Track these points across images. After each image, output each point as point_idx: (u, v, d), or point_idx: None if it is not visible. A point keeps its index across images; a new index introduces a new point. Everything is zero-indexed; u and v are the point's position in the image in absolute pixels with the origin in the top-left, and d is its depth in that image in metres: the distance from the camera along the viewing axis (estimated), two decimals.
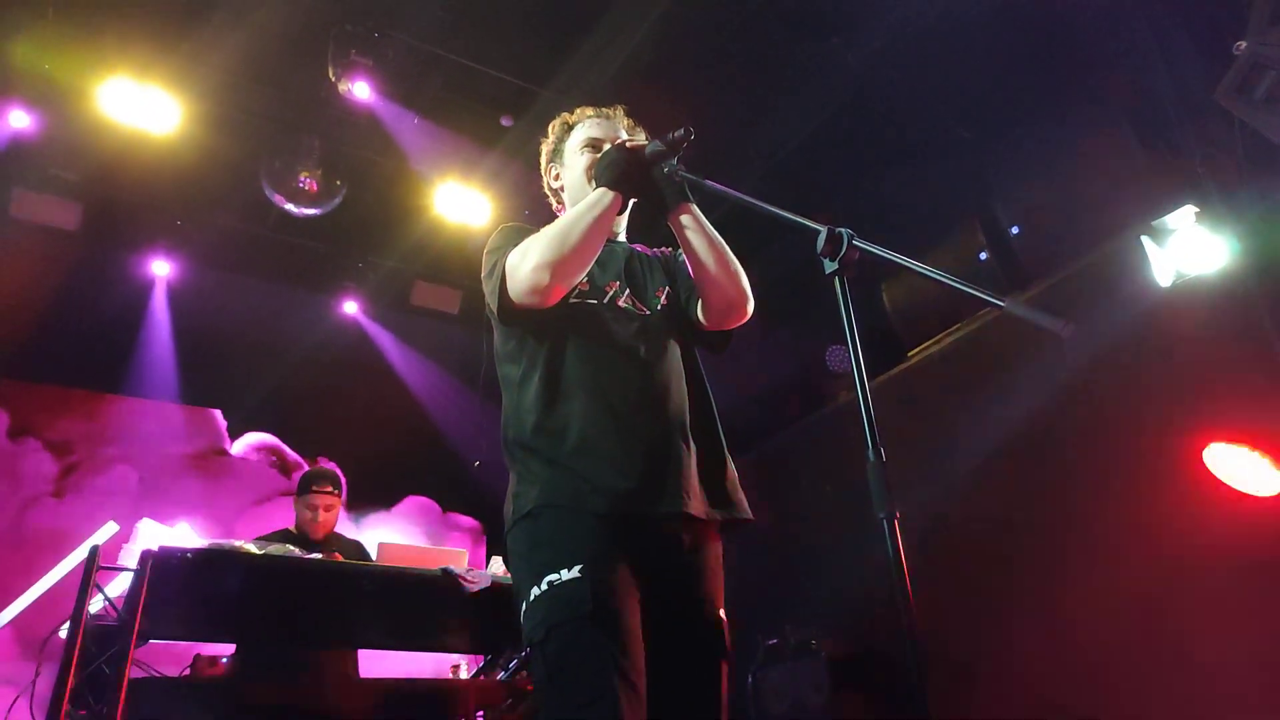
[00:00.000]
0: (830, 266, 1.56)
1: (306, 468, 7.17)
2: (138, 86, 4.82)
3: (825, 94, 5.07)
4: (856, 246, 1.56)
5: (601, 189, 1.92)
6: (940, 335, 5.03)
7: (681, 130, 1.88)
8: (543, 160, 2.31)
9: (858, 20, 4.67)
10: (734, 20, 4.78)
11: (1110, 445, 4.02)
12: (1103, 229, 4.23)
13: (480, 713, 3.47)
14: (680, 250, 2.17)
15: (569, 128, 2.24)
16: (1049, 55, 4.55)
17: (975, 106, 4.91)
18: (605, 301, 2.00)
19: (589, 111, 2.24)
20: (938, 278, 1.57)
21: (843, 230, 1.56)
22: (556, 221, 1.92)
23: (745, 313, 2.04)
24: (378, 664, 5.93)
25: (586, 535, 1.72)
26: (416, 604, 3.25)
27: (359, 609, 3.17)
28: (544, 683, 1.65)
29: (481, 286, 2.02)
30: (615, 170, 1.94)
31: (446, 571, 3.14)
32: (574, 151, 2.19)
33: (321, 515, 4.00)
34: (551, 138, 2.27)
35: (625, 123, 2.23)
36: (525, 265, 1.85)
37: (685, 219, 1.99)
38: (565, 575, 1.67)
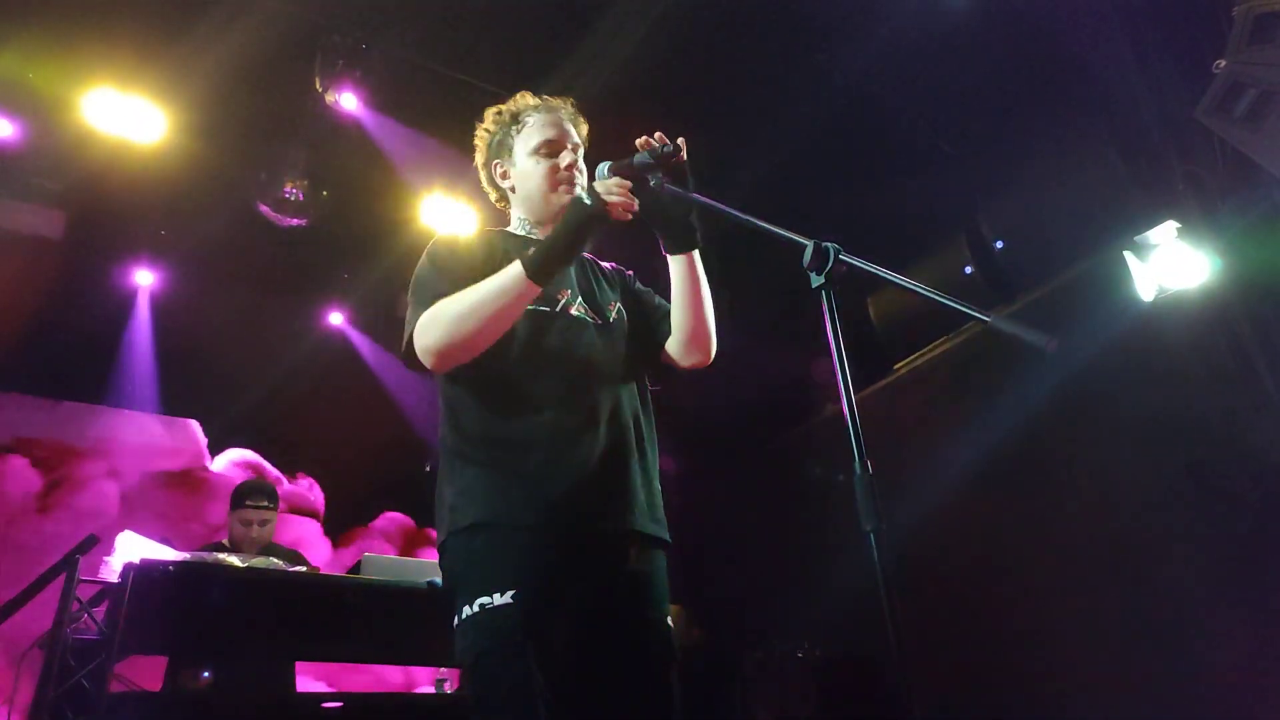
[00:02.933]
0: (817, 280, 1.55)
1: (285, 483, 7.12)
2: (122, 96, 4.80)
3: (811, 109, 5.10)
4: (844, 261, 1.55)
5: (520, 274, 1.73)
6: (926, 349, 5.05)
7: (671, 145, 1.84)
8: (482, 151, 2.16)
9: (844, 36, 4.71)
10: (722, 34, 4.81)
11: (1094, 457, 4.04)
12: (1086, 244, 4.27)
13: None
14: (634, 276, 2.21)
15: (515, 119, 2.11)
16: (1032, 72, 4.60)
17: (960, 122, 4.95)
18: (557, 310, 1.93)
19: (531, 101, 2.12)
20: (923, 292, 1.57)
21: (829, 245, 1.56)
22: (463, 297, 1.79)
23: (709, 358, 2.08)
24: (359, 677, 5.90)
25: (524, 556, 1.68)
26: (402, 617, 3.23)
27: (343, 622, 3.14)
28: (473, 706, 1.64)
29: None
30: (554, 259, 1.75)
31: (432, 584, 3.12)
32: (526, 154, 2.07)
33: (256, 530, 3.84)
34: (494, 128, 2.13)
35: (572, 115, 2.14)
36: (424, 341, 1.79)
37: (687, 263, 1.99)
38: (498, 600, 1.63)
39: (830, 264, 1.53)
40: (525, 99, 2.13)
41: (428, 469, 7.33)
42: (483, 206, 5.85)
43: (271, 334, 6.93)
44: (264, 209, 5.53)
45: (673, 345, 2.05)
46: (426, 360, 1.80)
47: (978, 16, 4.36)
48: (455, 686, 3.87)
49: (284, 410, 6.98)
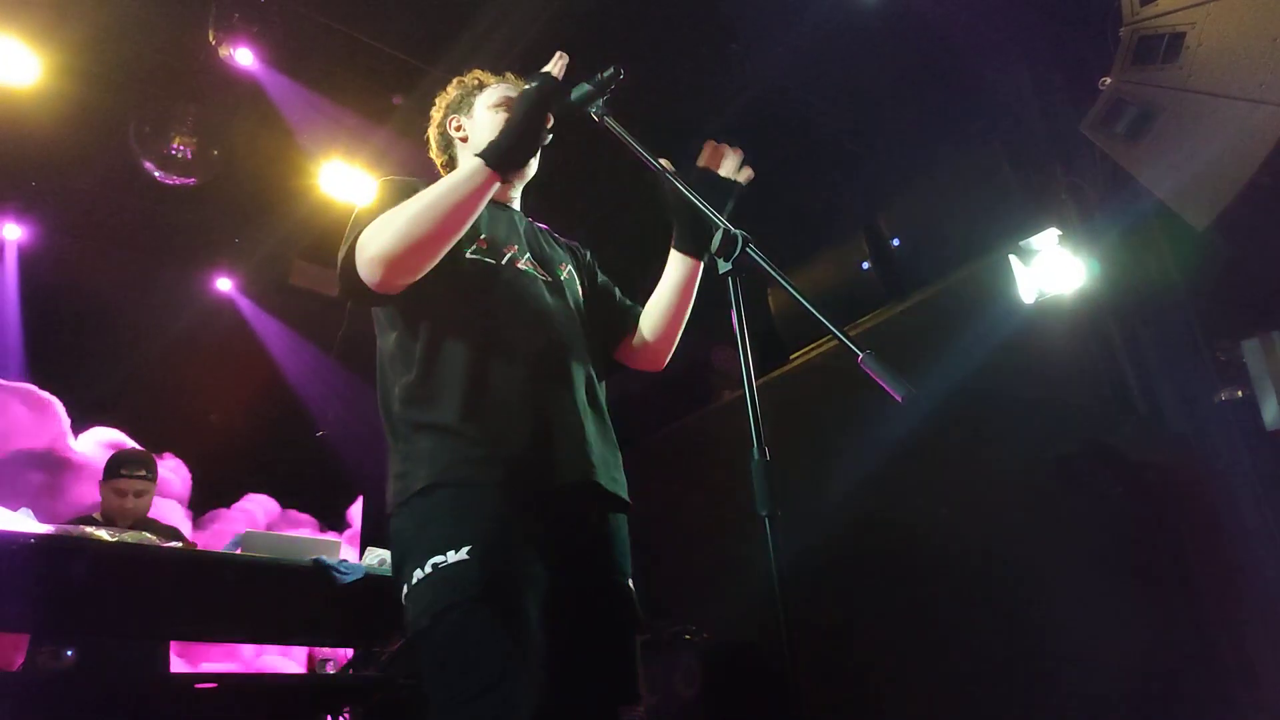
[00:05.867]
0: (724, 267, 1.55)
1: None
2: None
3: (721, 97, 5.14)
4: (749, 253, 1.55)
5: (479, 164, 1.68)
6: (823, 339, 5.17)
7: (611, 69, 1.81)
8: (440, 108, 2.16)
9: (756, 29, 4.76)
10: (632, 16, 4.78)
11: (973, 452, 4.21)
12: (975, 246, 4.44)
13: (347, 709, 3.36)
14: (593, 257, 2.17)
15: (480, 84, 2.12)
16: (935, 81, 4.76)
17: (864, 121, 5.08)
18: (503, 262, 1.87)
19: (494, 77, 2.15)
20: (811, 311, 1.51)
21: (738, 233, 1.56)
22: (412, 202, 1.70)
23: (662, 367, 2.10)
24: (239, 658, 5.70)
25: (480, 512, 1.61)
26: (284, 596, 3.12)
27: (222, 601, 3.02)
28: (433, 673, 1.55)
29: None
30: (512, 141, 1.70)
31: (318, 562, 3.03)
32: (486, 107, 2.06)
33: (132, 501, 3.74)
34: (458, 90, 2.14)
35: None
36: (366, 254, 1.68)
37: (692, 269, 1.99)
38: (452, 557, 1.56)
39: (737, 252, 1.54)
40: (490, 76, 2.15)
41: (320, 434, 7.08)
42: (383, 175, 5.66)
43: (151, 300, 6.57)
44: (148, 165, 5.22)
45: (636, 343, 2.06)
46: (374, 273, 1.68)
47: (886, 22, 4.48)
48: (337, 668, 3.78)
49: (156, 384, 6.62)
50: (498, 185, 1.72)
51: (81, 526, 2.86)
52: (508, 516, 1.63)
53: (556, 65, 1.73)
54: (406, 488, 1.68)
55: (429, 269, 1.72)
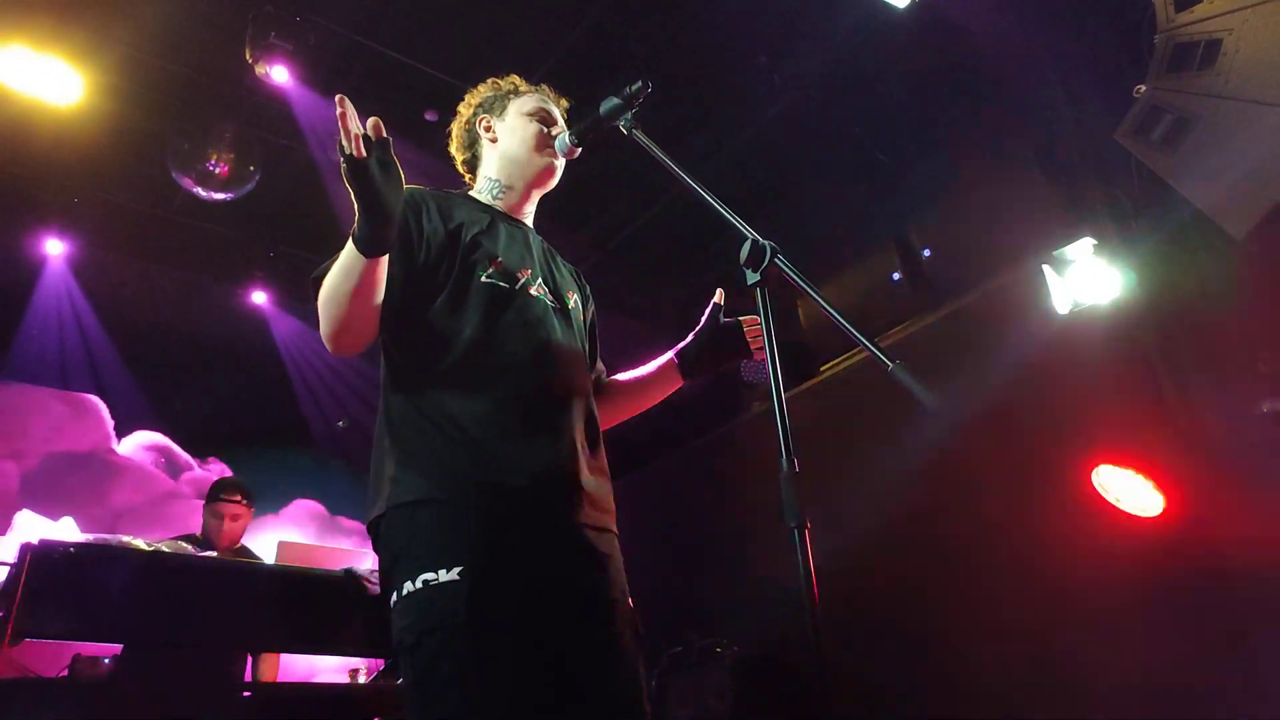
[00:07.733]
0: (752, 278, 1.54)
1: (196, 469, 6.93)
2: (37, 56, 4.57)
3: (751, 111, 5.15)
4: (778, 264, 1.54)
5: (353, 252, 1.62)
6: (853, 351, 5.14)
7: (639, 83, 1.81)
8: (469, 107, 2.18)
9: (786, 42, 4.77)
10: (665, 32, 4.81)
11: (1010, 464, 4.16)
12: (1008, 257, 4.40)
13: (376, 719, 3.37)
14: (590, 295, 2.19)
15: (515, 90, 2.15)
16: (966, 91, 4.73)
17: (894, 132, 5.06)
18: (516, 287, 1.86)
19: (531, 87, 2.17)
20: (839, 321, 1.50)
21: (766, 244, 1.54)
22: (327, 281, 1.71)
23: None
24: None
25: (472, 533, 1.60)
26: (316, 606, 3.15)
27: (255, 610, 3.05)
28: (410, 691, 1.54)
29: None
30: (363, 223, 1.60)
31: (349, 572, 3.05)
32: (520, 114, 2.09)
33: (228, 524, 3.96)
34: (492, 91, 2.16)
35: (564, 114, 2.17)
36: (321, 330, 1.73)
37: (676, 384, 2.10)
38: (443, 576, 1.54)
39: (766, 263, 1.53)
40: (525, 84, 2.18)
41: (340, 424, 7.16)
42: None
43: (189, 311, 6.70)
44: (186, 181, 5.33)
45: (601, 393, 2.09)
46: (331, 348, 1.74)
47: (917, 33, 4.46)
48: (369, 677, 3.79)
49: (199, 391, 6.75)
50: (385, 258, 1.67)
51: (180, 543, 2.95)
52: (500, 542, 1.61)
53: (350, 142, 1.58)
54: (398, 494, 1.66)
55: (375, 335, 1.76)
